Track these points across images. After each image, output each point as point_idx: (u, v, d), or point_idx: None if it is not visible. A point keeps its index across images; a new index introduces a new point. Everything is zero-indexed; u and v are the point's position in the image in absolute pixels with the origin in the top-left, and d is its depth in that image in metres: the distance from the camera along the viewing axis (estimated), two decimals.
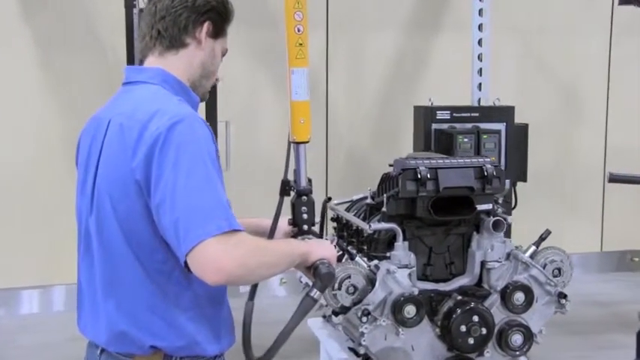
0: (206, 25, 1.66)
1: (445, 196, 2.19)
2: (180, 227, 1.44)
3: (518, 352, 2.19)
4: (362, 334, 2.08)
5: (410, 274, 2.16)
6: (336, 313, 2.16)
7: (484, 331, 2.13)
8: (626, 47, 5.50)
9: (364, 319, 2.07)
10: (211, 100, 3.86)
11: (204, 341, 1.62)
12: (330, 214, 2.51)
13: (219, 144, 1.69)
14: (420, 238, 2.26)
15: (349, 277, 2.09)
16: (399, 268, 2.13)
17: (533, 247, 2.26)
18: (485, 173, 2.21)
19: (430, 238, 2.26)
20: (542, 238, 2.27)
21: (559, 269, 2.28)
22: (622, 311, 4.79)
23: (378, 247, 2.24)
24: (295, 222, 1.94)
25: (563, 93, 5.51)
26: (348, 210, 2.53)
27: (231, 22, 1.72)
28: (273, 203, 1.91)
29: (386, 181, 2.30)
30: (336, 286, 2.07)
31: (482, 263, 2.24)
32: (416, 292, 2.12)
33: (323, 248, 1.70)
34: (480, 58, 4.36)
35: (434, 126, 4.01)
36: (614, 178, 3.18)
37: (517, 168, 4.11)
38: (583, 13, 5.44)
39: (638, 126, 5.54)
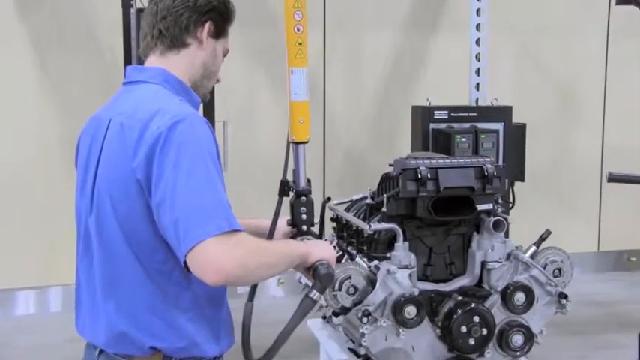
0: (207, 25, 1.66)
1: (445, 196, 2.19)
2: (180, 227, 1.43)
3: (518, 353, 2.19)
4: (362, 334, 2.07)
5: (410, 275, 2.15)
6: (336, 314, 2.15)
7: (485, 331, 2.13)
8: (623, 47, 5.51)
9: (365, 319, 2.06)
10: (209, 100, 3.84)
11: (204, 342, 1.61)
12: (329, 214, 2.51)
13: None
14: (421, 238, 2.25)
15: (349, 277, 2.09)
16: (399, 268, 2.13)
17: (534, 247, 2.26)
18: (486, 173, 2.20)
19: (430, 239, 2.26)
20: (542, 238, 2.27)
21: (559, 269, 2.28)
22: (619, 311, 4.81)
23: (378, 247, 2.23)
24: (294, 222, 1.94)
25: (561, 93, 5.52)
26: (347, 210, 2.52)
27: (232, 22, 1.72)
28: (271, 203, 1.91)
29: (386, 181, 2.29)
30: (337, 286, 2.07)
31: (483, 263, 2.23)
32: (416, 293, 2.12)
33: (322, 249, 1.70)
34: (477, 57, 4.37)
35: (432, 126, 4.02)
36: (614, 178, 3.19)
37: (515, 168, 4.12)
38: (580, 13, 5.45)
39: (635, 126, 5.55)
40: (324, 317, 2.48)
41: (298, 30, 1.93)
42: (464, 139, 3.92)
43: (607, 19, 5.49)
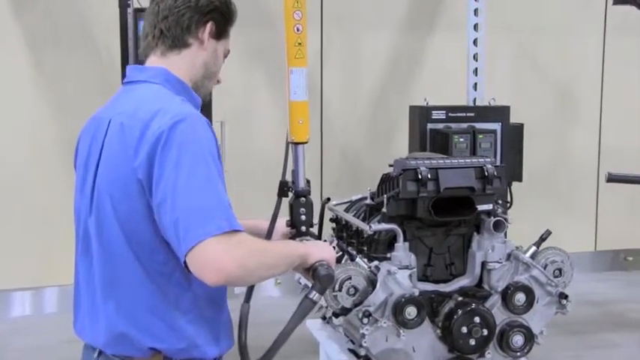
0: (209, 25, 1.65)
1: (446, 197, 2.18)
2: (181, 227, 1.43)
3: (519, 353, 2.19)
4: (363, 335, 2.07)
5: (410, 275, 2.15)
6: (336, 315, 2.14)
7: (485, 332, 2.13)
8: (619, 47, 5.51)
9: (365, 320, 2.06)
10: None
11: (204, 344, 1.60)
12: (328, 214, 2.50)
13: None
14: (421, 238, 2.25)
15: (350, 278, 2.08)
16: (399, 269, 2.13)
17: (534, 248, 2.26)
18: (486, 173, 2.20)
19: (430, 239, 2.26)
20: (542, 239, 2.27)
21: (560, 270, 2.28)
22: (615, 310, 4.81)
23: (378, 247, 2.23)
24: (293, 223, 1.93)
25: (558, 93, 5.52)
26: (346, 211, 2.52)
27: (234, 23, 1.71)
28: (269, 204, 1.90)
29: (386, 181, 2.28)
30: (337, 287, 2.06)
31: (483, 264, 2.23)
32: (417, 294, 2.11)
33: (322, 250, 1.69)
34: (475, 57, 4.36)
35: (429, 126, 4.01)
36: (613, 178, 3.19)
37: (512, 168, 4.11)
38: (577, 13, 5.45)
39: (632, 126, 5.56)
40: (323, 318, 2.47)
41: (298, 30, 1.92)
42: (462, 139, 3.91)
43: (604, 18, 5.50)
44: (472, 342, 2.12)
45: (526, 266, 2.23)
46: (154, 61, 1.65)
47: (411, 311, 2.09)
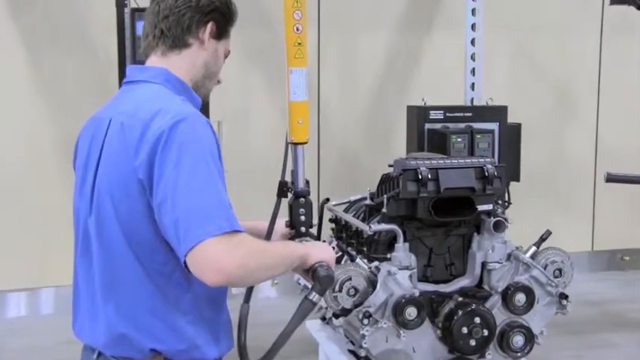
0: (209, 25, 1.64)
1: (446, 197, 2.18)
2: (181, 227, 1.42)
3: (519, 354, 2.19)
4: (363, 336, 2.06)
5: (411, 276, 2.14)
6: (336, 316, 2.13)
7: (485, 332, 2.12)
8: (617, 47, 5.52)
9: (365, 321, 2.06)
10: None
11: (204, 345, 1.60)
12: (328, 215, 2.49)
13: None
14: (421, 239, 2.25)
15: (350, 279, 2.08)
16: (399, 269, 2.12)
17: (534, 248, 2.26)
18: (486, 173, 2.20)
19: (430, 239, 2.25)
20: (542, 239, 2.27)
21: (560, 270, 2.28)
22: (613, 310, 4.82)
23: (378, 248, 2.23)
24: (293, 224, 1.92)
25: (555, 92, 5.52)
26: (346, 211, 2.51)
27: (234, 23, 1.71)
28: (267, 204, 1.89)
29: (386, 181, 2.28)
30: (337, 288, 2.06)
31: (483, 264, 2.23)
32: (417, 294, 2.11)
33: (321, 250, 1.69)
34: (472, 57, 4.36)
35: (427, 126, 4.00)
36: (612, 178, 3.19)
37: (510, 168, 4.11)
38: (575, 12, 5.45)
39: (629, 125, 5.56)
40: (323, 319, 2.47)
41: (297, 29, 1.92)
42: (459, 139, 3.91)
43: (601, 18, 5.50)
44: (472, 342, 2.12)
45: (526, 266, 2.23)
46: (154, 61, 1.65)
47: (411, 312, 2.08)
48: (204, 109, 4.19)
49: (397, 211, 2.20)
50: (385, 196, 2.21)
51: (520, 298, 2.19)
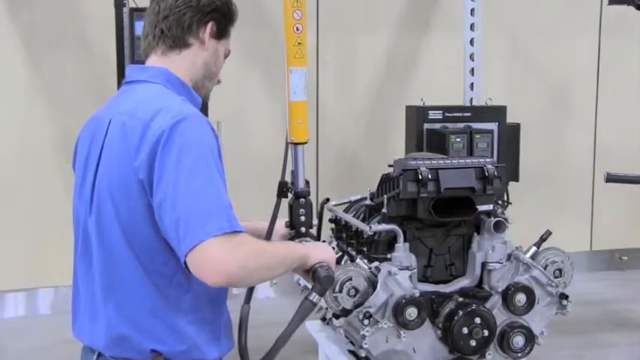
0: (210, 25, 1.64)
1: (446, 197, 2.17)
2: (181, 227, 1.41)
3: (519, 354, 2.19)
4: (363, 336, 2.06)
5: (411, 276, 2.14)
6: (336, 316, 2.13)
7: (486, 332, 2.12)
8: (615, 47, 5.52)
9: (365, 321, 2.05)
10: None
11: (205, 345, 1.59)
12: (328, 215, 2.49)
13: None
14: (421, 239, 2.24)
15: (350, 279, 2.07)
16: (399, 269, 2.12)
17: (534, 248, 2.26)
18: (487, 174, 2.20)
19: (430, 240, 2.25)
20: (542, 239, 2.27)
21: (560, 270, 2.28)
22: (612, 310, 4.82)
23: (378, 248, 2.22)
24: (293, 224, 1.92)
25: (554, 92, 5.52)
26: (346, 211, 2.51)
27: (235, 23, 1.70)
28: (267, 204, 1.88)
29: (386, 182, 2.27)
30: (337, 288, 2.05)
31: (483, 264, 2.23)
32: (417, 294, 2.10)
33: (322, 251, 1.68)
34: (471, 57, 4.36)
35: (426, 126, 4.00)
36: (612, 178, 3.19)
37: (509, 168, 4.11)
38: (573, 12, 5.46)
39: (627, 125, 5.57)
40: (323, 319, 2.46)
41: (297, 29, 1.91)
42: (458, 139, 3.91)
43: (599, 18, 5.50)
44: (473, 343, 2.12)
45: (526, 267, 2.22)
46: (154, 60, 1.64)
47: (411, 312, 2.08)
48: (204, 109, 4.19)
49: (397, 212, 2.20)
50: (385, 196, 2.21)
51: (520, 298, 2.19)
